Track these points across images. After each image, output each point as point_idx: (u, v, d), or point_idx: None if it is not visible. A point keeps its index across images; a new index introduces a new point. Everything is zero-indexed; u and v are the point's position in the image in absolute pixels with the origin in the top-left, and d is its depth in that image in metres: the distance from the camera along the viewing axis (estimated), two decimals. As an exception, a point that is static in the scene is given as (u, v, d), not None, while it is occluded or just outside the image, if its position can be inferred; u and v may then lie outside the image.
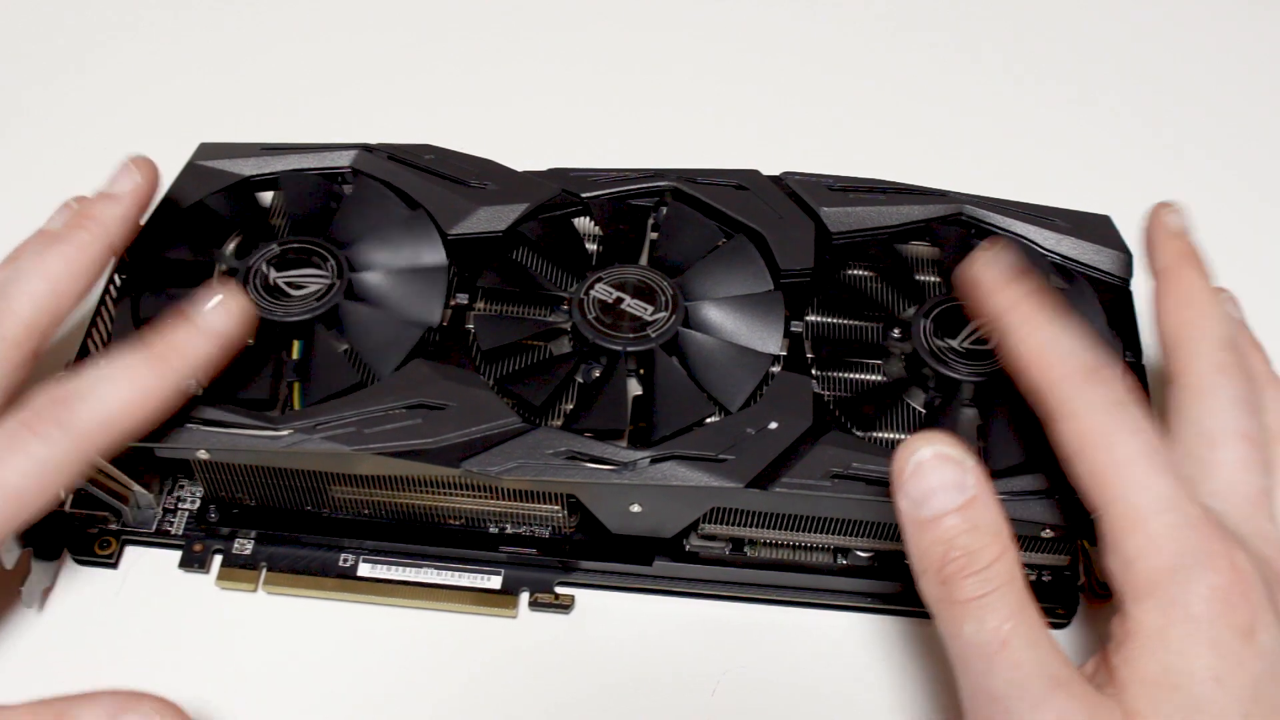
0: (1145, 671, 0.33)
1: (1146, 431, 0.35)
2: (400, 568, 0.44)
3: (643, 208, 0.49)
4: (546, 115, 0.63)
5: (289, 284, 0.45)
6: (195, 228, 0.47)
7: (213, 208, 0.47)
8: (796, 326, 0.45)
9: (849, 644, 0.44)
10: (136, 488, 0.44)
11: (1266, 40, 0.69)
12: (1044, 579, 0.44)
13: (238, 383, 0.42)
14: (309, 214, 0.48)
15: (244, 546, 0.45)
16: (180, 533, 0.45)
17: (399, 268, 0.46)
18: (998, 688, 0.33)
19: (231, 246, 0.48)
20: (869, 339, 0.46)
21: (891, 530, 0.43)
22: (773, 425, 0.41)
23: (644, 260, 0.48)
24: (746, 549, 0.44)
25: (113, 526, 0.45)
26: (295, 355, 0.44)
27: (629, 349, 0.44)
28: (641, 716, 0.42)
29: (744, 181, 0.49)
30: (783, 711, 0.42)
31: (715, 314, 0.45)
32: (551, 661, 0.43)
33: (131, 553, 0.45)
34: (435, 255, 0.46)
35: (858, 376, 0.45)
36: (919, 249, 0.49)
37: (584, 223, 0.49)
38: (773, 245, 0.47)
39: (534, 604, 0.44)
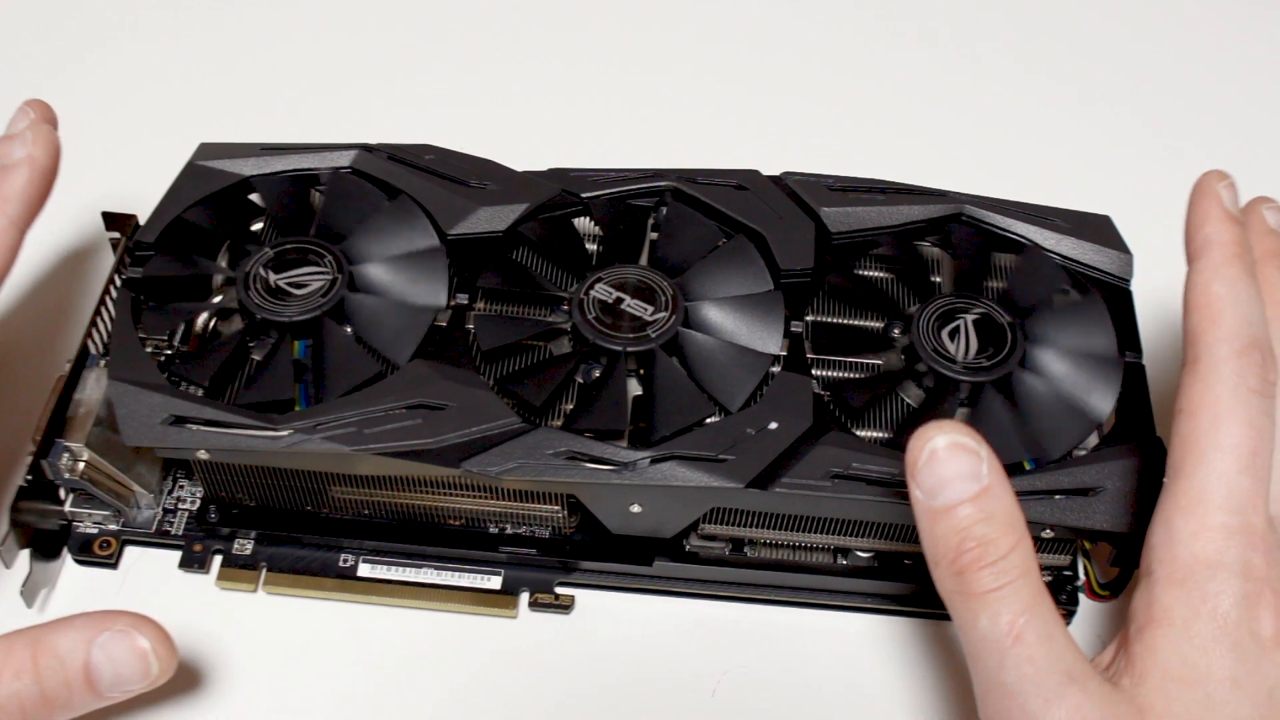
0: (1165, 664, 0.33)
1: (1259, 430, 0.34)
2: (400, 568, 0.44)
3: (643, 208, 0.49)
4: (546, 115, 0.63)
5: (290, 284, 0.45)
6: (183, 241, 0.47)
7: (195, 222, 0.47)
8: (796, 326, 0.45)
9: (849, 644, 0.44)
10: (137, 488, 0.44)
11: (1266, 40, 0.69)
12: (1044, 579, 0.44)
13: (259, 386, 0.42)
14: (290, 215, 0.48)
15: (244, 547, 0.45)
16: (180, 533, 0.45)
17: (396, 256, 0.46)
18: (1011, 682, 0.33)
19: (224, 257, 0.48)
20: (870, 333, 0.46)
21: (891, 530, 0.43)
22: (773, 425, 0.41)
23: (644, 260, 0.48)
24: (746, 549, 0.44)
25: (112, 526, 0.45)
26: (296, 355, 0.44)
27: (629, 349, 0.44)
28: (641, 716, 0.42)
29: (744, 181, 0.49)
30: (783, 711, 0.42)
31: (715, 314, 0.45)
32: (551, 661, 0.43)
33: (131, 553, 0.45)
34: (427, 238, 0.46)
35: (856, 376, 0.45)
36: (924, 249, 0.49)
37: (584, 223, 0.49)
38: (773, 245, 0.47)
39: (534, 604, 0.44)
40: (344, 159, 0.49)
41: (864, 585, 0.44)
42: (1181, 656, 0.33)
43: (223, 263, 0.47)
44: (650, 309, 0.45)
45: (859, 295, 0.47)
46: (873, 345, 0.46)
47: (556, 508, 0.44)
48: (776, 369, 0.44)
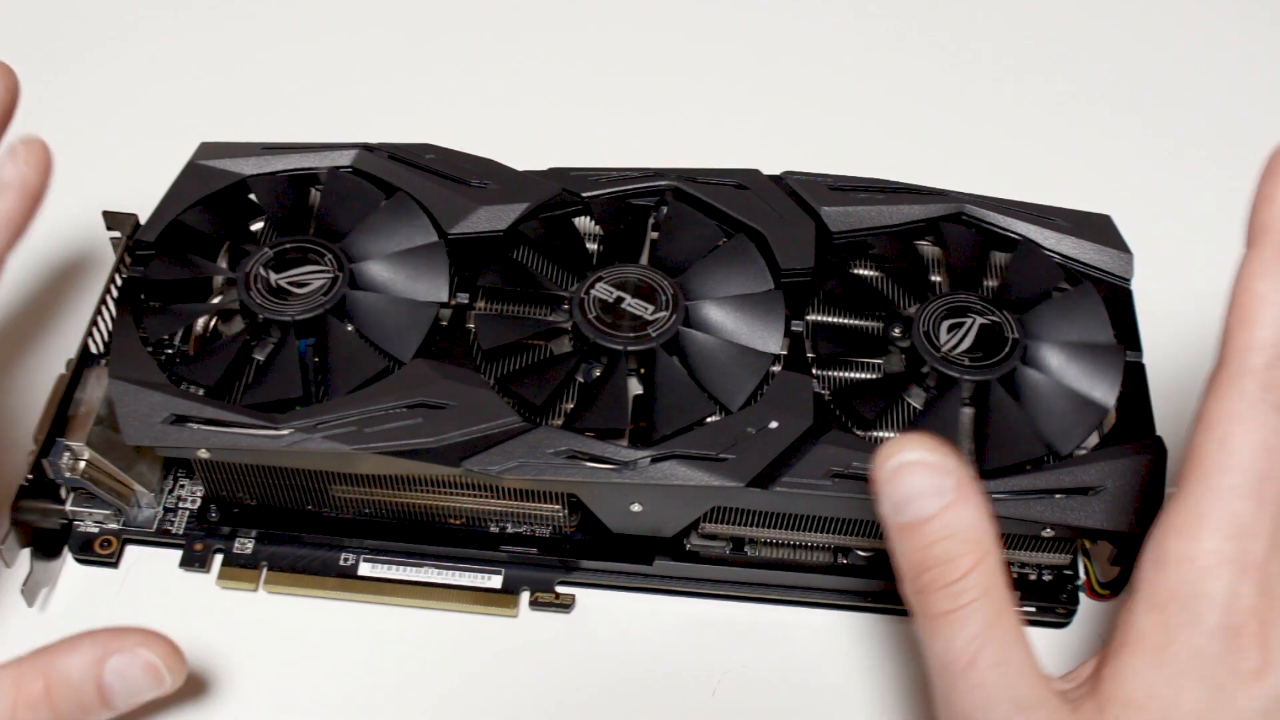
0: (1130, 691, 0.32)
1: (1273, 452, 0.32)
2: (401, 567, 0.44)
3: (643, 207, 0.49)
4: (546, 115, 0.63)
5: (291, 283, 0.45)
6: (182, 243, 0.47)
7: (193, 224, 0.47)
8: (797, 326, 0.45)
9: (849, 644, 0.44)
10: (137, 487, 0.44)
11: (1266, 40, 0.69)
12: (1044, 579, 0.44)
13: (267, 385, 0.42)
14: (287, 214, 0.48)
15: (245, 546, 0.45)
16: (181, 532, 0.45)
17: (395, 252, 0.46)
18: (960, 707, 0.33)
19: (223, 258, 0.48)
20: (870, 335, 0.46)
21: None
22: (773, 425, 0.41)
23: (644, 260, 0.48)
24: (747, 549, 0.44)
25: (113, 526, 0.45)
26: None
27: (629, 348, 0.44)
28: (641, 716, 0.42)
29: (744, 181, 0.49)
30: (783, 711, 0.42)
31: (716, 313, 0.45)
32: (551, 661, 0.43)
33: (132, 552, 0.45)
34: (427, 234, 0.46)
35: (857, 375, 0.45)
36: (923, 248, 0.49)
37: (584, 222, 0.49)
38: (773, 245, 0.47)
39: (534, 603, 0.44)
40: (344, 159, 0.49)
41: (864, 585, 0.44)
42: (1148, 685, 0.32)
43: (223, 263, 0.47)
44: (651, 308, 0.45)
45: (855, 300, 0.47)
46: (873, 346, 0.46)
47: (557, 507, 0.44)
48: (777, 368, 0.44)
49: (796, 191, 0.49)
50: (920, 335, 0.44)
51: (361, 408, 0.41)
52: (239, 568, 0.44)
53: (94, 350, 0.45)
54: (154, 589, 0.44)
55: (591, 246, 0.49)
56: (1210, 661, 0.32)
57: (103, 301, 0.46)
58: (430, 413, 0.41)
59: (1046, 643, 0.44)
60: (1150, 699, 0.32)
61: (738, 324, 0.45)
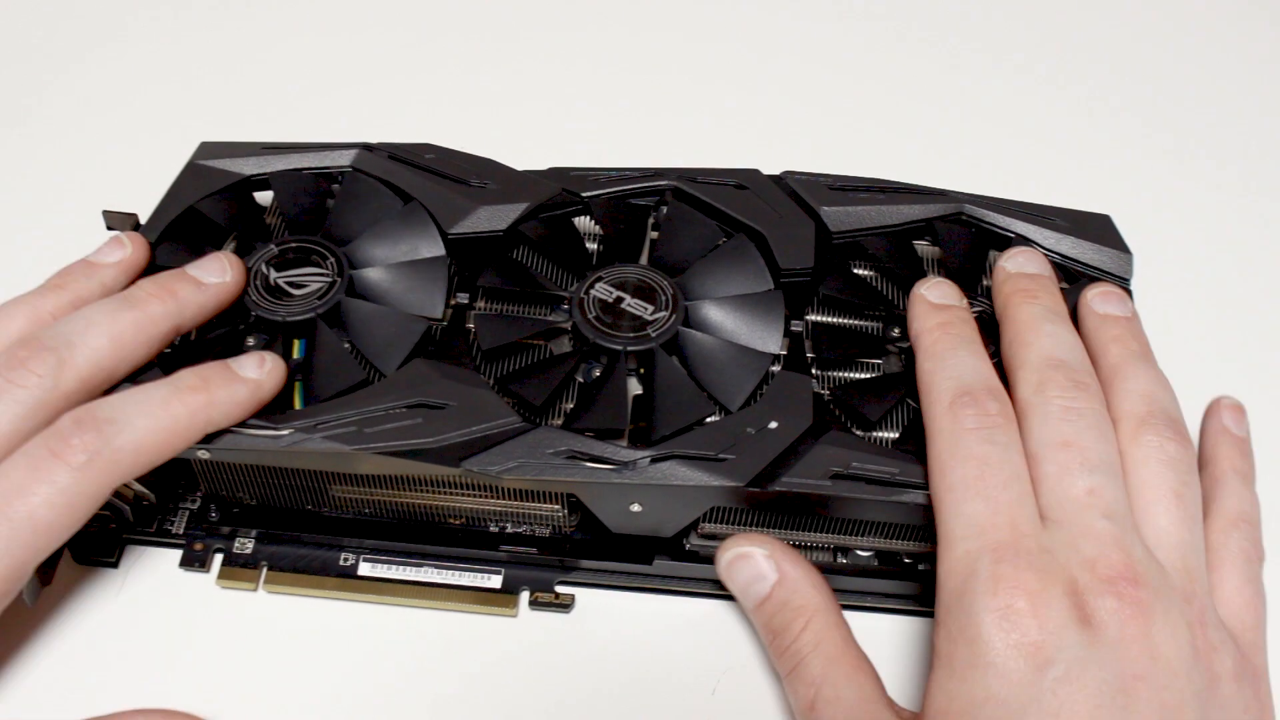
0: (936, 704, 0.35)
1: (979, 457, 0.37)
2: (401, 567, 0.44)
3: (643, 207, 0.49)
4: (546, 115, 0.63)
5: (289, 284, 0.45)
6: (192, 232, 0.47)
7: (206, 213, 0.47)
8: (796, 326, 0.45)
9: (849, 643, 0.44)
10: (137, 486, 0.44)
11: (1267, 40, 0.69)
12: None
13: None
14: (303, 213, 0.48)
15: (245, 546, 0.45)
16: (181, 532, 0.45)
17: (398, 262, 0.46)
18: None
19: (230, 249, 0.48)
20: (870, 336, 0.46)
21: (892, 529, 0.43)
22: (773, 425, 0.41)
23: (644, 260, 0.48)
24: (747, 548, 0.44)
25: (113, 526, 0.45)
26: (296, 355, 0.44)
27: (629, 348, 0.44)
28: (641, 716, 0.42)
29: (744, 181, 0.49)
30: (783, 711, 0.42)
31: (715, 313, 0.45)
32: (551, 661, 0.43)
33: (132, 552, 0.45)
34: (433, 247, 0.46)
35: (857, 376, 0.45)
36: (921, 248, 0.49)
37: (584, 222, 0.49)
38: (773, 245, 0.47)
39: (534, 603, 0.44)
40: (344, 159, 0.49)
41: (864, 584, 0.44)
42: (946, 692, 0.34)
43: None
44: (650, 308, 0.45)
45: (854, 300, 0.47)
46: (872, 346, 0.46)
47: (557, 507, 0.44)
48: (776, 368, 0.44)
49: (796, 191, 0.49)
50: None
51: (361, 408, 0.41)
52: (239, 568, 0.44)
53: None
54: (154, 589, 0.44)
55: (591, 246, 0.49)
56: (991, 648, 0.34)
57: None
58: (430, 413, 0.41)
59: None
60: (951, 702, 0.34)
61: (737, 324, 0.45)
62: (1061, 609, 0.34)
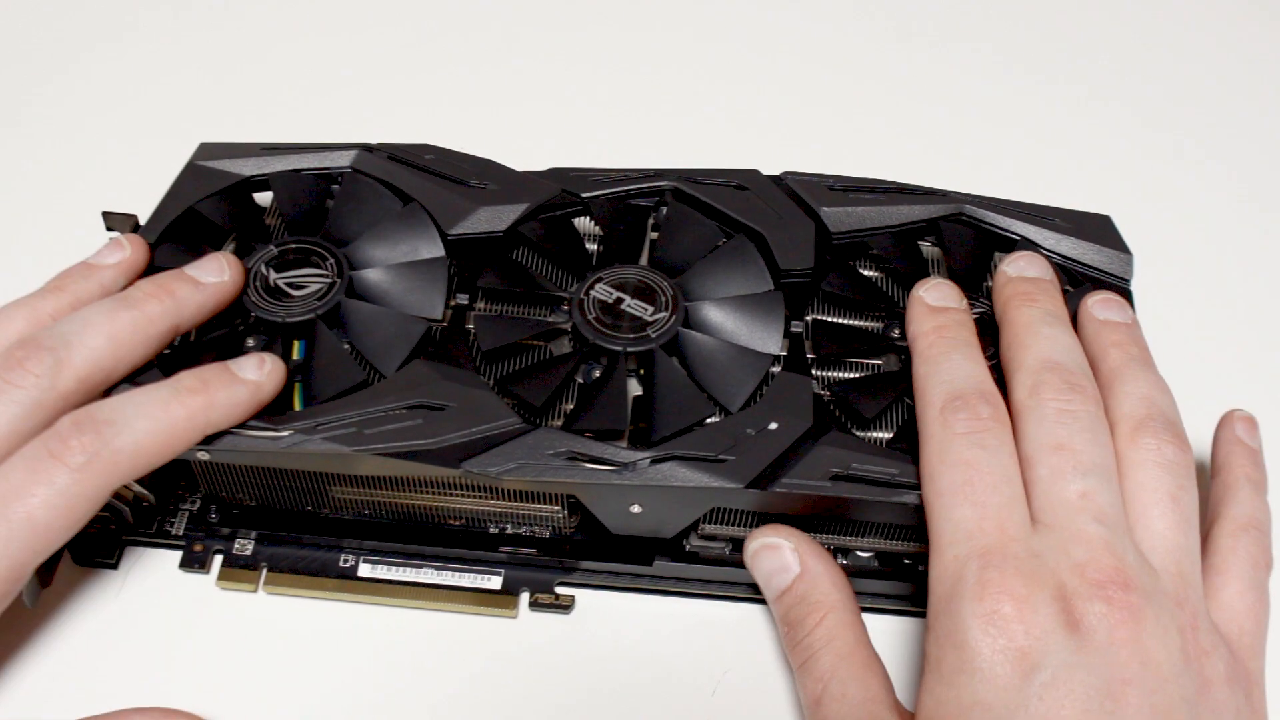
0: (926, 709, 0.35)
1: (969, 462, 0.37)
2: (400, 568, 0.44)
3: (643, 208, 0.49)
4: (546, 115, 0.63)
5: (289, 284, 0.45)
6: (192, 233, 0.47)
7: (206, 214, 0.47)
8: (796, 326, 0.45)
9: (849, 644, 0.44)
10: (137, 487, 0.44)
11: (1267, 40, 0.69)
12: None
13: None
14: (303, 214, 0.48)
15: (244, 547, 0.45)
16: (181, 533, 0.45)
17: (398, 263, 0.46)
18: None
19: (229, 250, 0.48)
20: (870, 335, 0.46)
21: (891, 530, 0.43)
22: (773, 425, 0.41)
23: (644, 260, 0.48)
24: (747, 549, 0.44)
25: (113, 527, 0.45)
26: (296, 356, 0.44)
27: (629, 349, 0.44)
28: (641, 716, 0.42)
29: (744, 181, 0.49)
30: (783, 711, 0.42)
31: (715, 314, 0.45)
32: (551, 661, 0.43)
33: (132, 553, 0.45)
34: (433, 248, 0.46)
35: (857, 376, 0.45)
36: (925, 249, 0.49)
37: (584, 223, 0.49)
38: (773, 245, 0.47)
39: (534, 604, 0.44)
40: (344, 159, 0.49)
41: (864, 585, 0.44)
42: (935, 697, 0.35)
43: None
44: (650, 309, 0.45)
45: (855, 300, 0.47)
46: (872, 346, 0.46)
47: (556, 508, 0.44)
48: (776, 369, 0.44)
49: (796, 192, 0.49)
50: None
51: (361, 409, 0.41)
52: (239, 569, 0.44)
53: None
54: (154, 590, 0.44)
55: (591, 247, 0.49)
56: (978, 654, 0.34)
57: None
58: (430, 414, 0.41)
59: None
60: (940, 708, 0.34)
61: (737, 325, 0.45)
62: (1048, 614, 0.34)
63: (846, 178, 0.50)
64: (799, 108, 0.64)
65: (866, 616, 0.44)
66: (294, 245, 0.46)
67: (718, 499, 0.41)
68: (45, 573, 0.44)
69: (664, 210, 0.49)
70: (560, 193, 0.48)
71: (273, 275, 0.45)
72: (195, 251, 0.46)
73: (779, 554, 0.41)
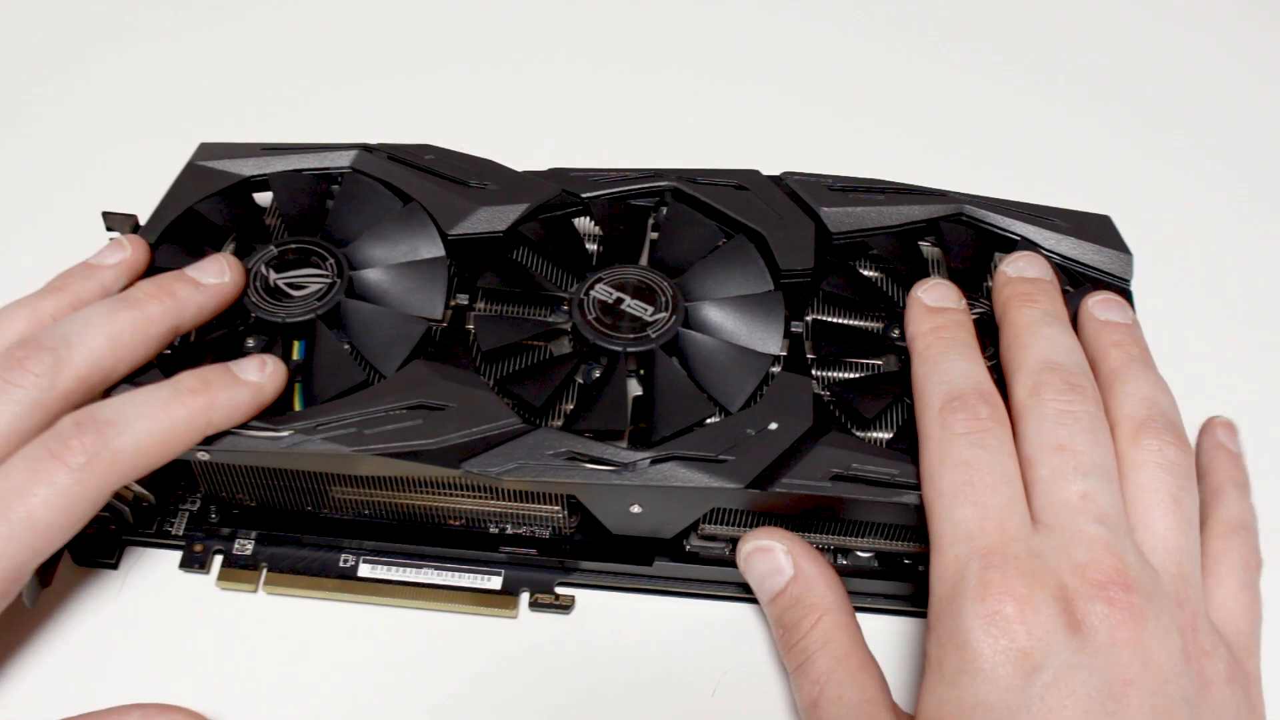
0: (927, 709, 0.35)
1: (968, 463, 0.37)
2: (400, 568, 0.44)
3: (643, 208, 0.49)
4: (546, 115, 0.63)
5: (289, 284, 0.45)
6: (191, 232, 0.47)
7: (205, 214, 0.47)
8: (796, 326, 0.45)
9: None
10: (137, 488, 0.44)
11: (1267, 40, 0.69)
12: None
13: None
14: (302, 214, 0.48)
15: (244, 547, 0.45)
16: (181, 533, 0.45)
17: (398, 263, 0.46)
18: None
19: (229, 250, 0.48)
20: (870, 335, 0.46)
21: (891, 530, 0.43)
22: (773, 426, 0.41)
23: (644, 260, 0.48)
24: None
25: (113, 527, 0.45)
26: (296, 356, 0.44)
27: (629, 349, 0.44)
28: (641, 716, 0.42)
29: (744, 181, 0.49)
30: (782, 711, 0.42)
31: (715, 314, 0.45)
32: (551, 661, 0.43)
33: (132, 553, 0.45)
34: (433, 248, 0.46)
35: (857, 377, 0.45)
36: (925, 249, 0.49)
37: (584, 223, 0.49)
38: (773, 245, 0.47)
39: (534, 604, 0.44)
40: (344, 159, 0.49)
41: (864, 585, 0.44)
42: (937, 697, 0.35)
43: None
44: (650, 309, 0.45)
45: (855, 300, 0.47)
46: (872, 346, 0.46)
47: (556, 508, 0.44)
48: (776, 369, 0.44)
49: (796, 192, 0.49)
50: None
51: (361, 409, 0.41)
52: (239, 569, 0.44)
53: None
54: (154, 590, 0.44)
55: (591, 247, 0.49)
56: (980, 654, 0.34)
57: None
58: (430, 414, 0.41)
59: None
60: (941, 708, 0.34)
61: (737, 325, 0.45)
62: (1050, 614, 0.34)
63: (846, 178, 0.50)
64: (799, 108, 0.64)
65: (866, 617, 0.44)
66: (294, 245, 0.46)
67: (718, 499, 0.41)
68: (45, 573, 0.44)
69: (664, 210, 0.49)
70: (560, 193, 0.48)
71: (273, 275, 0.45)
72: (195, 252, 0.46)
73: (772, 556, 0.41)
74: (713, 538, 0.44)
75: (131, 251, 0.44)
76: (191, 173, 0.48)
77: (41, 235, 0.56)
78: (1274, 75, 0.67)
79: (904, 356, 0.45)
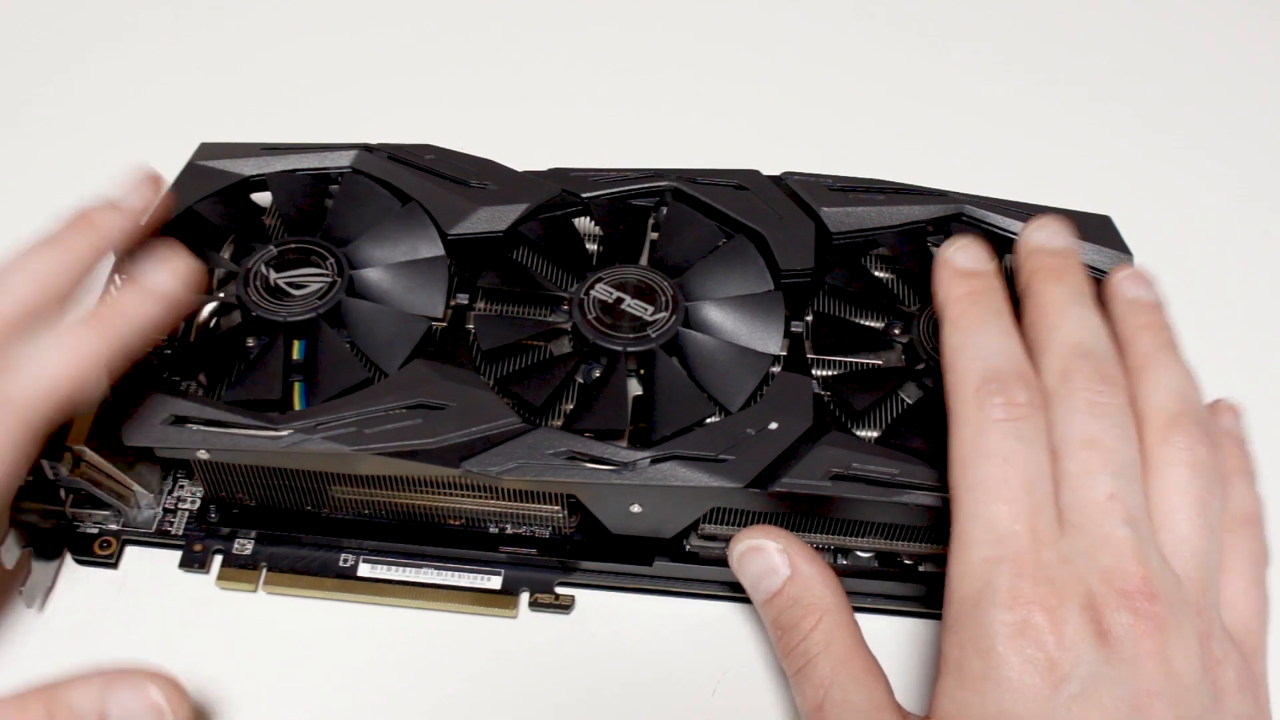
0: (943, 711, 0.34)
1: (1006, 455, 0.35)
2: (400, 568, 0.44)
3: (643, 208, 0.49)
4: (546, 115, 0.63)
5: (290, 284, 0.45)
6: (190, 233, 0.47)
7: (204, 215, 0.47)
8: (796, 326, 0.45)
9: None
10: (137, 488, 0.44)
11: (1267, 40, 0.69)
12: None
13: (248, 384, 0.42)
14: (301, 214, 0.48)
15: (244, 546, 0.45)
16: (180, 533, 0.45)
17: (398, 262, 0.46)
18: None
19: (228, 251, 0.48)
20: (871, 332, 0.46)
21: (892, 530, 0.43)
22: (773, 425, 0.41)
23: (644, 260, 0.48)
24: (746, 549, 0.44)
25: (113, 526, 0.45)
26: (296, 355, 0.44)
27: (629, 349, 0.44)
28: (641, 717, 0.42)
29: (744, 181, 0.49)
30: (782, 711, 0.42)
31: (715, 314, 0.45)
32: (551, 661, 0.43)
33: (131, 553, 0.45)
34: (433, 247, 0.46)
35: (856, 371, 0.45)
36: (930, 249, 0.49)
37: (584, 223, 0.49)
38: (773, 245, 0.47)
39: (534, 604, 0.44)
40: (344, 159, 0.49)
41: (864, 585, 0.44)
42: (956, 701, 0.34)
43: (227, 256, 0.48)
44: (650, 309, 0.45)
45: (860, 295, 0.47)
46: (873, 344, 0.46)
47: (556, 508, 0.44)
48: (776, 369, 0.44)
49: (796, 192, 0.49)
50: (920, 333, 0.44)
51: (361, 409, 0.41)
52: (238, 568, 0.44)
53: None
54: (153, 590, 0.44)
55: (591, 247, 0.49)
56: (1005, 661, 0.33)
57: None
58: (430, 413, 0.41)
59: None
60: (962, 712, 0.34)
61: (737, 325, 0.45)
62: (1078, 624, 0.33)
63: (846, 178, 0.50)
64: (799, 108, 0.64)
65: (865, 617, 0.44)
66: (294, 245, 0.46)
67: (718, 499, 0.41)
68: (46, 573, 0.44)
69: (664, 210, 0.49)
70: (560, 193, 0.48)
71: (273, 275, 0.45)
72: (194, 252, 0.46)
73: (765, 556, 0.39)
74: (713, 538, 0.44)
75: (140, 204, 0.43)
76: (191, 173, 0.48)
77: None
78: (1274, 75, 0.67)
79: (904, 353, 0.45)
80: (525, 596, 0.44)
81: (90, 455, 0.42)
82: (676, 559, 0.44)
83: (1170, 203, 0.60)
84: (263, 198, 0.50)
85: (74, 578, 0.45)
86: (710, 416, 0.43)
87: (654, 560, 0.44)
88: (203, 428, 0.41)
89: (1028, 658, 0.33)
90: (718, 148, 0.61)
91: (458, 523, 0.45)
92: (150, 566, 0.45)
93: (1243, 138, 0.64)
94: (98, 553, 0.45)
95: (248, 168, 0.49)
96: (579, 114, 0.63)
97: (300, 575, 0.44)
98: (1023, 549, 0.34)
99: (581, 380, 0.44)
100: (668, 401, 0.43)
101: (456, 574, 0.44)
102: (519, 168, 0.49)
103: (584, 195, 0.48)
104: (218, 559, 0.45)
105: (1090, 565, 0.34)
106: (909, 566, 0.44)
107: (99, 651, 0.42)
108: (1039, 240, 0.42)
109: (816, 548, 0.44)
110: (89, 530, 0.45)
